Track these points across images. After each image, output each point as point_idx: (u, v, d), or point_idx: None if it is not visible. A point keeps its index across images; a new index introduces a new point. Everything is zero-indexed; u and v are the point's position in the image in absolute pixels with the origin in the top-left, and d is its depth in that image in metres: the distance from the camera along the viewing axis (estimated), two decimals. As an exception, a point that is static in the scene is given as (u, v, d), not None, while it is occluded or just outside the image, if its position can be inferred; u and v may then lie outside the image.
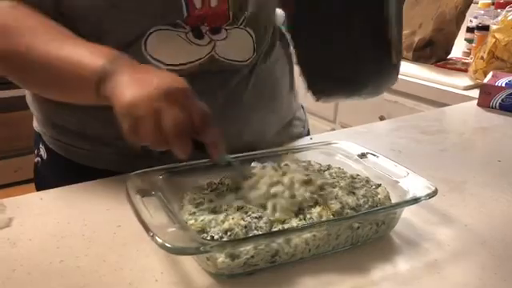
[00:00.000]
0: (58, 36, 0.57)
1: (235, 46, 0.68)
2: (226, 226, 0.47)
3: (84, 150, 0.70)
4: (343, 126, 1.74)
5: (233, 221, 0.48)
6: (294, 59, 0.58)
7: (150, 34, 0.62)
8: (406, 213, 0.56)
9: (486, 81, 1.09)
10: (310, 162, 0.62)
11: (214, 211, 0.51)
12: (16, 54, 0.57)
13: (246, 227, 0.47)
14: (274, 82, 0.77)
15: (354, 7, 0.53)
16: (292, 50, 0.58)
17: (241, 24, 0.68)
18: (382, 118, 1.52)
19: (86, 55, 0.54)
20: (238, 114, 0.70)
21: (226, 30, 0.66)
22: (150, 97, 0.49)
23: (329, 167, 0.61)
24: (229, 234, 0.46)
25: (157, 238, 0.43)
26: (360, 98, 0.61)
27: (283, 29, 0.80)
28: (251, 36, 0.69)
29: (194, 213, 0.51)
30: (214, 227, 0.47)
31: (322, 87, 0.57)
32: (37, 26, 0.58)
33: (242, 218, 0.48)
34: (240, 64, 0.69)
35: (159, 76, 0.52)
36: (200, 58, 0.65)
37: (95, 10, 0.60)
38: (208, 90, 0.67)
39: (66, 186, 0.64)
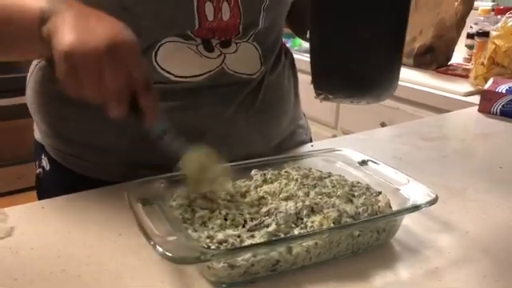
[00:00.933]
0: None
1: (244, 59, 0.69)
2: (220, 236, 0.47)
3: (89, 161, 0.70)
4: (344, 133, 1.74)
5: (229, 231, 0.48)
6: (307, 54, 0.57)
7: (161, 45, 0.62)
8: (407, 220, 0.56)
9: (486, 87, 1.10)
10: (310, 169, 0.62)
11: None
12: None
13: (239, 236, 0.48)
14: (280, 94, 0.77)
15: (377, 6, 0.53)
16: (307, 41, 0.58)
17: (249, 38, 0.68)
18: (383, 125, 1.52)
19: (26, 1, 0.52)
20: (245, 125, 0.71)
21: (236, 43, 0.67)
22: (95, 46, 0.46)
23: (329, 175, 0.62)
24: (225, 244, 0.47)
25: (158, 246, 0.43)
26: (360, 102, 0.61)
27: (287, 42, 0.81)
28: (257, 50, 0.70)
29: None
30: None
31: (328, 82, 0.56)
32: None
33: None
34: (248, 77, 0.70)
35: (105, 24, 0.49)
36: (210, 71, 0.66)
37: (106, 12, 0.60)
38: (217, 103, 0.68)
39: (67, 195, 0.64)
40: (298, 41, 2.14)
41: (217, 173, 0.54)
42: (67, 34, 0.47)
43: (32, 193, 0.80)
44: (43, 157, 0.76)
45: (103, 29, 0.48)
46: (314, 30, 0.52)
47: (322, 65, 0.55)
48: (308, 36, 0.53)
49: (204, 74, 0.66)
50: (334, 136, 1.72)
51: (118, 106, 0.49)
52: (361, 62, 0.55)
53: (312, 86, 0.57)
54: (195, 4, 0.62)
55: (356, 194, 0.56)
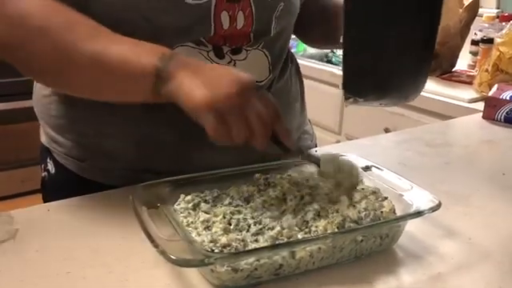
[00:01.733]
0: (101, 33, 0.56)
1: (254, 66, 0.69)
2: (224, 240, 0.48)
3: (94, 165, 0.70)
4: (348, 138, 1.74)
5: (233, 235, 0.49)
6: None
7: (173, 49, 0.63)
8: (410, 226, 0.56)
9: (490, 94, 1.10)
10: (312, 173, 0.63)
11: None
12: (58, 52, 0.55)
13: (243, 240, 0.48)
14: (288, 101, 0.78)
15: (409, 8, 0.54)
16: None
17: (259, 45, 0.69)
18: (387, 130, 1.52)
19: (136, 54, 0.54)
20: None
21: (247, 50, 0.68)
22: (228, 93, 0.50)
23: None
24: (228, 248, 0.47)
25: (162, 249, 0.43)
26: (389, 104, 0.63)
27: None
28: (267, 57, 0.71)
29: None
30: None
31: (360, 84, 0.57)
32: (75, 21, 0.56)
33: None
34: (257, 84, 0.70)
35: (222, 71, 0.54)
36: None
37: (127, 22, 0.60)
38: None
39: (73, 198, 0.64)
40: (303, 46, 2.15)
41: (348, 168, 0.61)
42: (197, 90, 0.51)
43: (36, 196, 0.80)
44: (49, 160, 0.77)
45: (224, 76, 0.52)
46: (347, 33, 0.52)
47: (354, 67, 0.55)
48: (341, 40, 0.53)
49: None
50: (338, 142, 1.72)
51: (264, 139, 0.53)
52: (393, 63, 0.56)
53: (341, 91, 0.57)
54: (212, 13, 0.62)
55: (357, 198, 0.56)
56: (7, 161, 2.32)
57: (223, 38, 0.65)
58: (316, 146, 0.89)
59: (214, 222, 0.51)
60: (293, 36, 0.85)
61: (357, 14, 0.52)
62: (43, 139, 0.78)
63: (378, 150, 0.89)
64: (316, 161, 0.62)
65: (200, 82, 0.51)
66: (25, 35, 0.56)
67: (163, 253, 0.43)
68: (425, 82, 0.59)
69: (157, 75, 0.53)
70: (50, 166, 0.76)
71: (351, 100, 0.56)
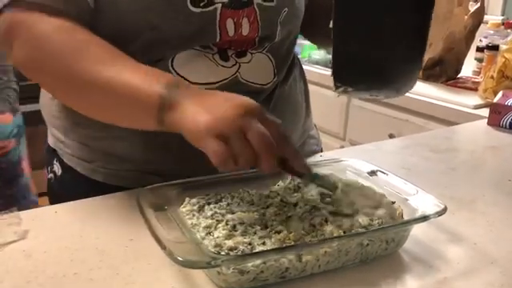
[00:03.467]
0: (111, 58, 0.57)
1: (258, 69, 0.70)
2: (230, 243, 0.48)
3: (102, 167, 0.71)
4: (353, 144, 1.74)
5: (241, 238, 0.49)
6: (329, 52, 0.57)
7: (178, 53, 0.64)
8: (416, 230, 0.57)
9: (496, 100, 1.10)
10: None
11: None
12: (69, 76, 0.58)
13: (250, 244, 0.49)
14: (293, 104, 0.78)
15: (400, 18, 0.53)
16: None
17: (264, 49, 0.69)
18: (391, 136, 1.52)
19: (142, 81, 0.54)
20: None
21: (251, 53, 0.68)
22: (229, 117, 0.49)
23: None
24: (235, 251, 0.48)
25: (169, 251, 0.44)
26: (379, 95, 0.61)
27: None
28: (271, 61, 0.71)
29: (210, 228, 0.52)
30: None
31: (349, 72, 0.55)
32: (89, 44, 0.58)
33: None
34: (261, 87, 0.71)
35: (224, 97, 0.52)
36: (224, 79, 0.67)
37: (133, 30, 0.61)
38: None
39: (80, 200, 0.65)
40: (307, 52, 2.16)
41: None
42: (199, 117, 0.50)
43: (41, 199, 0.81)
44: (55, 162, 0.77)
45: (226, 101, 0.51)
46: (337, 20, 0.51)
47: (344, 54, 0.54)
48: (331, 26, 0.52)
49: (218, 82, 0.67)
50: (342, 147, 1.72)
51: (269, 163, 0.49)
52: (383, 52, 0.55)
53: (332, 81, 0.56)
54: (217, 20, 0.63)
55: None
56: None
57: (228, 42, 0.65)
58: (322, 151, 0.90)
59: (216, 228, 0.51)
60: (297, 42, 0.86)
61: (346, 1, 0.52)
62: (50, 141, 0.78)
63: (382, 155, 0.89)
64: (330, 187, 0.57)
65: (203, 109, 0.50)
66: (43, 58, 0.58)
67: (170, 254, 0.43)
68: (416, 74, 0.58)
69: (161, 104, 0.52)
70: (57, 168, 0.77)
71: (341, 89, 0.55)
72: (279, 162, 0.51)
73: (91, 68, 0.56)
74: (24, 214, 0.61)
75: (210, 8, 0.62)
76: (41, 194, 0.80)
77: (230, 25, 0.64)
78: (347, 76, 0.55)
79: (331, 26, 0.52)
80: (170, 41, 0.63)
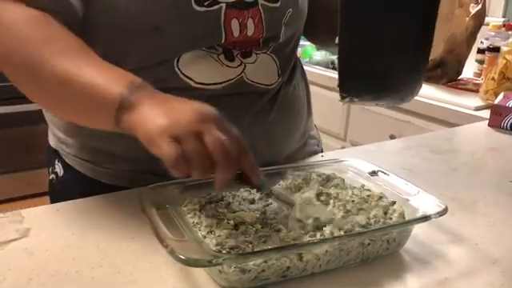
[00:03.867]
0: (77, 53, 0.56)
1: (263, 69, 0.70)
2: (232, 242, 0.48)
3: (103, 167, 0.71)
4: (353, 144, 1.74)
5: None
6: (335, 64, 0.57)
7: (183, 54, 0.64)
8: (417, 231, 0.57)
9: (497, 101, 1.10)
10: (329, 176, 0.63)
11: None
12: (33, 66, 0.55)
13: (251, 243, 0.49)
14: (295, 105, 0.78)
15: (404, 6, 0.53)
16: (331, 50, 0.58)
17: (268, 50, 0.70)
18: (392, 137, 1.53)
19: (105, 80, 0.53)
20: (261, 134, 0.72)
21: (256, 54, 0.68)
22: (187, 120, 0.47)
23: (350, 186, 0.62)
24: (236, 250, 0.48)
25: (171, 249, 0.44)
26: (384, 104, 0.61)
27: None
28: (275, 62, 0.71)
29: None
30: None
31: (355, 83, 0.56)
32: (56, 36, 0.56)
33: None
34: (266, 87, 0.71)
35: (186, 103, 0.50)
36: (229, 80, 0.67)
37: (136, 31, 0.61)
38: (234, 111, 0.68)
39: (81, 199, 0.65)
40: (308, 53, 2.16)
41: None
42: (157, 119, 0.48)
43: (41, 199, 0.80)
44: (57, 162, 0.77)
45: (184, 106, 0.49)
46: (341, 33, 0.52)
47: (349, 66, 0.54)
48: (337, 39, 0.52)
49: (223, 82, 0.67)
50: (343, 148, 1.72)
51: (227, 174, 0.47)
52: (388, 63, 0.55)
53: (338, 90, 0.56)
54: (222, 22, 0.63)
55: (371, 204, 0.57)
56: (13, 164, 2.34)
57: (233, 42, 0.66)
58: (322, 151, 0.90)
59: (218, 226, 0.51)
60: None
61: (351, 13, 0.52)
62: (51, 141, 0.78)
63: (383, 155, 0.89)
64: (289, 202, 0.55)
65: (161, 111, 0.49)
66: (8, 46, 0.56)
67: (172, 252, 0.43)
68: (421, 82, 0.58)
69: (120, 103, 0.51)
70: (58, 169, 0.77)
71: (347, 99, 0.55)
72: (237, 176, 0.49)
73: (53, 59, 0.54)
74: (26, 212, 0.61)
75: (215, 7, 0.62)
76: (41, 194, 0.80)
77: (235, 25, 0.64)
78: (352, 87, 0.56)
79: (336, 40, 0.52)
80: (174, 41, 0.63)
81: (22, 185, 2.34)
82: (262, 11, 0.66)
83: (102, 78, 0.53)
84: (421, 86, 0.59)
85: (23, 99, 0.65)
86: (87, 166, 0.72)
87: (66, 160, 0.75)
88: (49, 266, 0.51)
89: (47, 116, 0.78)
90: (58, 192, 0.78)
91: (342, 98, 0.55)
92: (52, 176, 0.79)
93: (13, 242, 0.54)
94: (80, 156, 0.73)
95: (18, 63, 0.57)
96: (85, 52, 0.57)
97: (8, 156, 2.30)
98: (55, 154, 0.77)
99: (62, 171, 0.76)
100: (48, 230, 0.58)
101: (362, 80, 0.56)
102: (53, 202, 0.78)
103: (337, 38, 0.52)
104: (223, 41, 0.64)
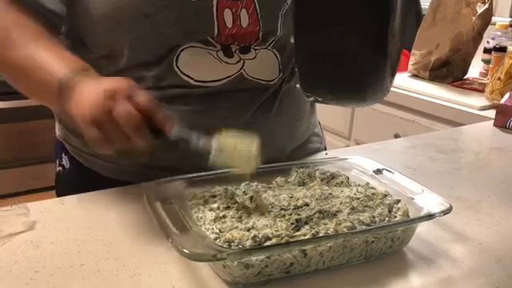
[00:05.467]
0: (37, 39, 0.60)
1: (263, 65, 0.70)
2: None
3: (108, 162, 0.72)
4: (358, 143, 1.74)
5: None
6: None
7: (182, 50, 0.64)
8: (421, 229, 0.57)
9: (502, 101, 1.10)
10: (333, 173, 0.63)
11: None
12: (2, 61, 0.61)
13: (255, 236, 0.49)
14: (297, 102, 0.78)
15: (357, 7, 0.52)
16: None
17: (269, 45, 0.70)
18: (396, 136, 1.52)
19: (52, 63, 0.57)
20: (262, 130, 0.72)
21: (255, 50, 0.68)
22: (96, 102, 0.51)
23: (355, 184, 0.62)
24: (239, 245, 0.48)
25: (176, 243, 0.44)
26: (348, 105, 0.62)
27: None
28: (277, 57, 0.71)
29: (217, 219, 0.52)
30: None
31: (313, 86, 0.57)
32: (17, 27, 0.61)
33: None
34: (266, 83, 0.71)
35: (98, 83, 0.54)
36: (229, 76, 0.67)
37: (128, 20, 0.62)
38: (235, 108, 0.69)
39: (87, 193, 0.66)
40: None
41: (249, 147, 0.55)
42: (78, 107, 0.53)
43: (47, 193, 0.81)
44: (64, 155, 0.78)
45: (96, 88, 0.53)
46: (298, 35, 0.53)
47: (307, 70, 0.55)
48: (292, 41, 0.53)
49: (223, 79, 0.67)
50: (347, 146, 1.72)
51: (141, 139, 0.51)
52: (344, 66, 0.55)
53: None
54: (214, 11, 0.63)
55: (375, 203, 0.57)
56: (19, 158, 2.35)
57: (231, 37, 0.66)
58: (326, 149, 0.90)
59: (222, 221, 0.52)
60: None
61: (305, 17, 0.52)
62: (58, 134, 0.79)
63: (387, 154, 0.89)
64: (207, 147, 0.55)
65: (80, 98, 0.53)
66: None
67: (177, 247, 0.44)
68: (384, 86, 0.56)
69: (59, 87, 0.55)
70: (65, 162, 0.77)
71: (312, 98, 0.57)
72: (153, 131, 0.52)
73: (13, 44, 0.59)
74: (32, 205, 0.61)
75: None
76: (46, 189, 0.81)
77: (227, 15, 0.64)
78: (313, 91, 0.57)
79: (292, 40, 0.53)
80: (166, 31, 0.63)
81: (28, 179, 2.35)
82: (255, 2, 0.66)
83: (52, 61, 0.57)
84: (387, 89, 0.57)
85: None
86: (92, 160, 0.73)
87: (72, 153, 0.76)
88: (54, 258, 0.51)
89: (54, 112, 0.78)
90: (65, 185, 0.79)
91: (307, 97, 0.57)
92: (59, 168, 0.80)
93: (19, 235, 0.55)
94: (84, 151, 0.74)
95: None
96: (40, 37, 0.60)
97: (13, 150, 2.32)
98: (62, 146, 0.78)
99: (69, 164, 0.77)
100: (54, 223, 0.58)
101: (320, 86, 0.56)
102: (59, 194, 0.78)
103: (292, 38, 0.53)
104: (216, 32, 0.64)
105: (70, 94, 0.54)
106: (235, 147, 0.54)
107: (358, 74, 0.55)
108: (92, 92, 0.52)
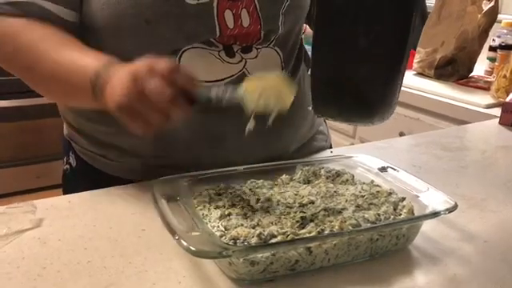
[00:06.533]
0: (64, 44, 0.61)
1: (265, 64, 0.70)
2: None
3: (114, 160, 0.72)
4: (362, 142, 1.74)
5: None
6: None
7: (184, 51, 0.64)
8: (426, 227, 0.57)
9: (508, 99, 1.09)
10: (338, 171, 0.64)
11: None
12: (28, 67, 0.62)
13: (260, 234, 0.49)
14: (300, 99, 0.78)
15: (376, 38, 0.52)
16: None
17: (270, 43, 0.70)
18: (401, 134, 1.52)
19: (86, 60, 0.58)
20: (266, 129, 0.72)
21: (257, 49, 0.69)
22: (126, 90, 0.51)
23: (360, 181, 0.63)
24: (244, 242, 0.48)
25: (182, 241, 0.44)
26: (358, 124, 0.63)
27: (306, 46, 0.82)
28: (279, 55, 0.71)
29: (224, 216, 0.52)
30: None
31: (326, 110, 0.59)
32: (43, 34, 0.62)
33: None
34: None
35: (124, 70, 0.54)
36: (231, 76, 0.67)
37: (129, 26, 0.62)
38: (237, 107, 0.69)
39: (93, 191, 0.66)
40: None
41: (277, 84, 0.55)
42: (111, 99, 0.54)
43: (52, 191, 0.82)
44: (71, 154, 0.78)
45: (123, 75, 0.53)
46: (316, 62, 0.54)
47: (322, 96, 0.57)
48: (310, 68, 0.54)
49: (226, 78, 0.67)
50: (352, 144, 1.72)
51: (177, 112, 0.52)
52: (357, 93, 0.55)
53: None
54: (215, 13, 0.63)
55: (380, 201, 0.57)
56: (23, 156, 2.36)
57: (232, 37, 0.66)
58: (331, 147, 0.90)
59: (227, 218, 0.52)
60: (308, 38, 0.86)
61: (324, 46, 0.54)
62: (65, 132, 0.80)
63: (393, 152, 0.89)
64: (237, 96, 0.55)
65: (112, 89, 0.53)
66: (11, 52, 0.63)
67: (183, 244, 0.44)
68: (395, 105, 0.57)
69: (92, 81, 0.56)
70: (72, 159, 0.78)
71: (323, 118, 0.58)
72: (186, 99, 0.52)
73: (46, 53, 0.60)
74: (38, 202, 0.62)
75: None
76: (51, 187, 0.81)
77: (228, 16, 0.64)
78: (324, 113, 0.61)
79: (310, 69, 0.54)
80: (168, 36, 0.63)
81: (33, 177, 2.36)
82: (256, 1, 0.66)
83: (82, 59, 0.59)
84: (395, 107, 0.58)
85: (33, 93, 0.68)
86: (98, 159, 0.73)
87: (78, 152, 0.76)
88: (61, 255, 0.52)
89: (61, 111, 0.79)
90: (71, 182, 0.79)
91: (318, 116, 0.60)
92: (66, 166, 0.80)
93: (26, 232, 0.55)
94: (90, 149, 0.74)
95: (16, 66, 0.64)
96: (68, 42, 0.62)
97: (18, 149, 2.33)
98: (69, 145, 0.78)
99: (76, 162, 0.78)
100: (60, 220, 0.58)
101: (331, 109, 0.58)
102: (65, 192, 0.79)
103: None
104: (218, 34, 0.64)
105: (102, 91, 0.55)
106: (263, 88, 0.54)
107: (369, 101, 0.56)
108: (119, 80, 0.53)
